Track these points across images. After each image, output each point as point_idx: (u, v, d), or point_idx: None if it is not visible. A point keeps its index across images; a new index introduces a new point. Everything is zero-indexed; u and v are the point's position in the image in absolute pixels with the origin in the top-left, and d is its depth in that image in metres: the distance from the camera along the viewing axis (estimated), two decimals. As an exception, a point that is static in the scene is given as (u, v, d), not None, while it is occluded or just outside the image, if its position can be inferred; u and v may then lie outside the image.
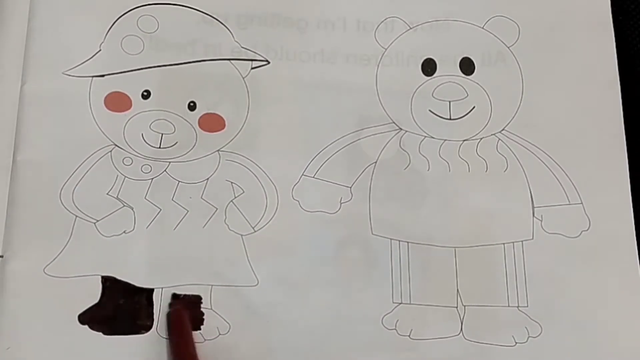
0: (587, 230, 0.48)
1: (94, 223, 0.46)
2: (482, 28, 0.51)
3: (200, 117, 0.48)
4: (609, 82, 0.51)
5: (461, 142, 0.49)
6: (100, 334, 0.45)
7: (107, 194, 0.47)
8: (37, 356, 0.44)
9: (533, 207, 0.48)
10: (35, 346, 0.44)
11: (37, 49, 0.49)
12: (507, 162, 0.49)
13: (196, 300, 0.46)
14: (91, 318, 0.45)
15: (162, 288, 0.46)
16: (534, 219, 0.48)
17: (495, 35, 0.51)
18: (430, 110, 0.50)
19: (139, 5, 0.50)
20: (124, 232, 0.46)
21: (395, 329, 0.46)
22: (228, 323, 0.46)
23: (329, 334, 0.46)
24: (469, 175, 0.49)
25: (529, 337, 0.46)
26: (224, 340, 0.45)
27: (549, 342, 0.46)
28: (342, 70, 0.50)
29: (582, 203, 0.49)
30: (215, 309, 0.46)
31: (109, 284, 0.46)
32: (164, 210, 0.47)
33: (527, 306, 0.47)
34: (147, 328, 0.45)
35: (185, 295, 0.46)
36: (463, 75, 0.50)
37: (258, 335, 0.46)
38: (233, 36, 0.50)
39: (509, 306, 0.47)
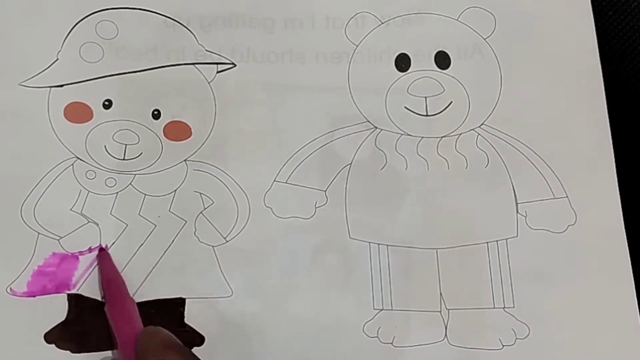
0: (574, 224, 0.47)
1: (58, 240, 0.46)
2: (457, 20, 0.50)
3: (165, 125, 0.48)
4: (591, 71, 0.50)
5: (439, 138, 0.49)
6: (68, 352, 0.44)
7: (71, 209, 0.46)
8: (4, 378, 0.44)
9: (516, 203, 0.48)
10: (1, 367, 0.44)
11: (-9, 59, 0.48)
12: (487, 157, 0.48)
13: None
14: (58, 337, 0.44)
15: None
16: (518, 215, 0.48)
17: (470, 27, 0.50)
18: (405, 107, 0.49)
19: (97, 10, 0.49)
20: (89, 248, 0.46)
21: (377, 337, 0.45)
22: (203, 335, 0.45)
23: (308, 344, 0.45)
24: (448, 173, 0.48)
25: (516, 339, 0.46)
26: (198, 353, 0.44)
27: (538, 343, 0.46)
28: (312, 70, 0.49)
29: (567, 196, 0.48)
30: (189, 322, 0.45)
31: (75, 301, 0.45)
32: (130, 225, 0.46)
33: (514, 307, 0.46)
34: (117, 345, 0.44)
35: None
36: (438, 69, 0.50)
37: (234, 347, 0.45)
38: (196, 39, 0.49)
39: (494, 308, 0.46)
